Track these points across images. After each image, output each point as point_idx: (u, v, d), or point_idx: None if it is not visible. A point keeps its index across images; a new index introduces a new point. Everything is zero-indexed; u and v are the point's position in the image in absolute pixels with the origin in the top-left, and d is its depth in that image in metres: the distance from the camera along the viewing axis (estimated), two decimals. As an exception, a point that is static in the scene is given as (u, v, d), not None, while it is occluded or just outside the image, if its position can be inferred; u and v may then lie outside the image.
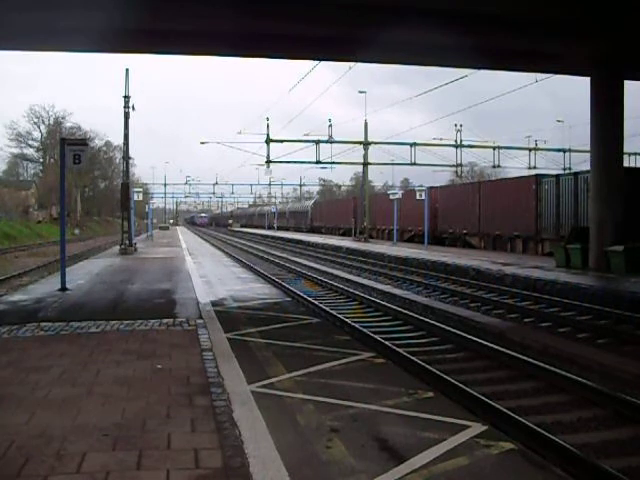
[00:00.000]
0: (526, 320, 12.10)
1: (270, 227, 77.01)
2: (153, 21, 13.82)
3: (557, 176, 27.01)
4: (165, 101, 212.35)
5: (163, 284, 14.76)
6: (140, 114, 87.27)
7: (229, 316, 10.37)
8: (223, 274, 19.56)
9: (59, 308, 10.85)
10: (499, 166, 40.07)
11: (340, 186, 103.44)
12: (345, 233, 49.89)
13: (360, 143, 38.42)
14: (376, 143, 38.69)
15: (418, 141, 37.38)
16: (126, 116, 29.35)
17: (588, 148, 19.94)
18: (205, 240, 54.47)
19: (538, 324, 11.64)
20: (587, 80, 18.55)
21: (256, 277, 19.61)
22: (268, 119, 37.30)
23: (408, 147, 36.98)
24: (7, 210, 61.78)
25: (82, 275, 17.01)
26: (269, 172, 50.27)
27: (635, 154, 38.00)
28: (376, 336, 9.88)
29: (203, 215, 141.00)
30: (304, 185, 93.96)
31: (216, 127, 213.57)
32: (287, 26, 14.48)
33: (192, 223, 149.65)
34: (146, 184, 79.61)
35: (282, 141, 37.87)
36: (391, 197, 37.32)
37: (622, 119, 18.29)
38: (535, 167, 38.22)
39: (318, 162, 37.78)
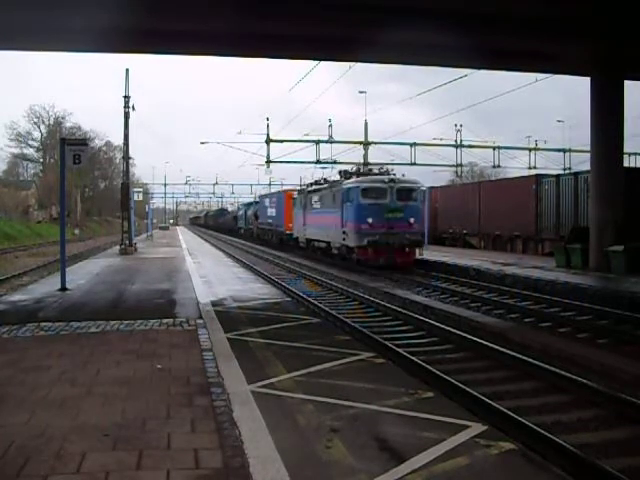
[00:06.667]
0: (526, 320, 12.09)
1: None
2: (153, 21, 13.81)
3: (557, 176, 27.03)
4: (165, 101, 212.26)
5: (163, 284, 14.75)
6: (140, 114, 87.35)
7: (229, 316, 10.36)
8: (223, 274, 19.55)
9: (59, 308, 10.85)
10: (499, 166, 40.13)
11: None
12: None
13: (360, 143, 38.41)
14: (376, 143, 38.69)
15: (420, 140, 37.45)
16: (126, 116, 29.38)
17: (588, 148, 19.95)
18: (205, 240, 54.44)
19: (538, 324, 11.63)
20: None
21: (256, 277, 19.60)
22: (268, 119, 36.53)
23: (408, 147, 37.01)
24: (7, 210, 61.78)
25: (82, 275, 17.00)
26: (269, 172, 49.91)
27: (635, 154, 38.04)
28: (376, 336, 9.88)
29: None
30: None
31: (216, 127, 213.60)
32: (287, 26, 14.48)
33: (216, 227, 78.97)
34: (146, 184, 79.59)
35: (282, 141, 37.90)
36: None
37: (622, 119, 18.29)
38: (535, 167, 38.26)
39: (318, 162, 37.79)
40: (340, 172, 26.69)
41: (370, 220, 21.44)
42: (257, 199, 52.68)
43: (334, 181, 26.61)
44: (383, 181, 22.51)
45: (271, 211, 39.84)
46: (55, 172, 48.52)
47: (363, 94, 50.90)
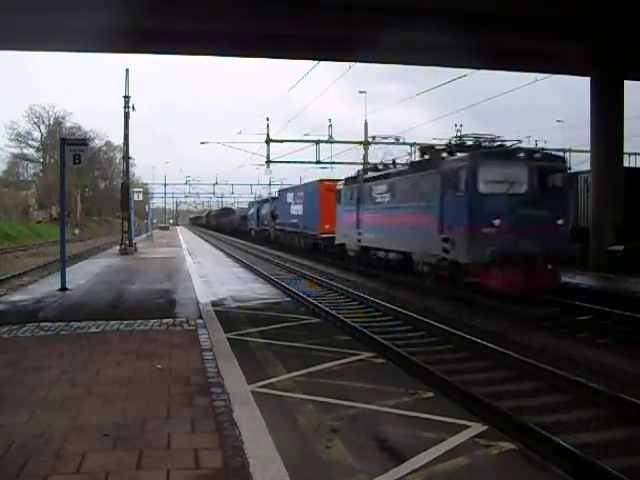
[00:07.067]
0: (526, 320, 12.07)
1: None
2: (153, 21, 13.85)
3: (557, 176, 26.97)
4: (165, 101, 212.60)
5: (163, 284, 14.75)
6: (140, 114, 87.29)
7: (229, 316, 10.37)
8: (223, 274, 19.55)
9: (59, 308, 10.85)
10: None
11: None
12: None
13: (360, 143, 38.37)
14: (376, 143, 38.50)
15: (420, 140, 37.37)
16: (126, 116, 29.41)
17: (588, 148, 19.96)
18: (205, 240, 54.42)
19: (538, 324, 11.62)
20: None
21: (256, 277, 19.60)
22: (268, 119, 36.45)
23: (408, 147, 36.95)
24: (7, 210, 61.79)
25: (82, 275, 17.00)
26: (269, 172, 49.99)
27: (635, 154, 38.03)
28: (376, 336, 9.88)
29: None
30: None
31: (216, 127, 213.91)
32: (287, 26, 14.52)
33: (220, 228, 71.20)
34: (146, 184, 79.64)
35: (282, 141, 37.86)
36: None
37: (622, 119, 18.32)
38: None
39: (318, 162, 37.74)
40: (422, 148, 17.50)
41: (497, 221, 12.98)
42: (262, 196, 47.37)
43: (420, 161, 17.16)
44: (516, 156, 13.57)
45: (296, 208, 31.94)
46: (55, 172, 48.52)
47: (363, 94, 51.14)
